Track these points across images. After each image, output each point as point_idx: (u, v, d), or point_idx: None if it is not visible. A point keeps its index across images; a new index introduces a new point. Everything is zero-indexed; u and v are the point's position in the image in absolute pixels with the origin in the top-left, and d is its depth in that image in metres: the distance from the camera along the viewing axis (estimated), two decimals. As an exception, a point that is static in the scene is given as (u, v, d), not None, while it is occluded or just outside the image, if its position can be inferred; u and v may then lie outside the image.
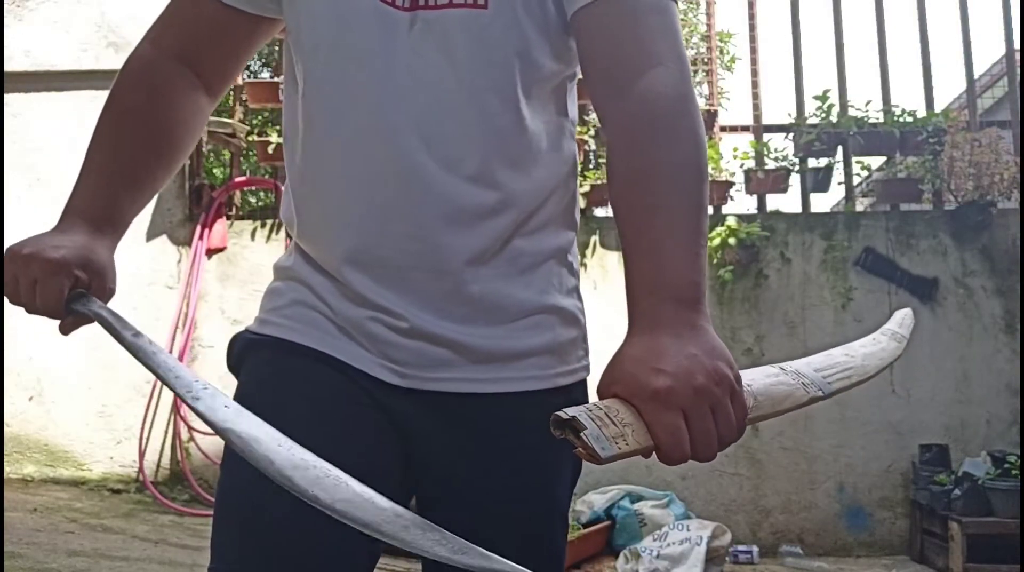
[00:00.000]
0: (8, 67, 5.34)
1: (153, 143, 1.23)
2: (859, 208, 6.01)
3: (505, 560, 0.75)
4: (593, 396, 0.90)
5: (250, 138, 5.49)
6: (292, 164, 1.17)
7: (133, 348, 1.12)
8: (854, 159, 5.43)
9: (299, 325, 1.11)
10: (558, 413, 0.77)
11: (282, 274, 1.18)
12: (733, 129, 5.64)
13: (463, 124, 1.03)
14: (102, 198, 1.27)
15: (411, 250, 1.04)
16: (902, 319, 1.58)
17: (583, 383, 1.16)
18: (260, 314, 1.18)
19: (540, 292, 1.10)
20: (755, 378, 1.00)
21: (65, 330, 1.20)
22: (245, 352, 1.16)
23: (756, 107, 5.57)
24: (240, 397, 1.09)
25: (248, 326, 1.20)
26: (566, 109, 1.14)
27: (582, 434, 0.75)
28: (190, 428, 5.07)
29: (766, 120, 5.58)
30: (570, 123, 1.15)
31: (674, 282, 0.89)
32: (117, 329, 1.15)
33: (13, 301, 1.11)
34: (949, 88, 15.85)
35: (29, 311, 1.12)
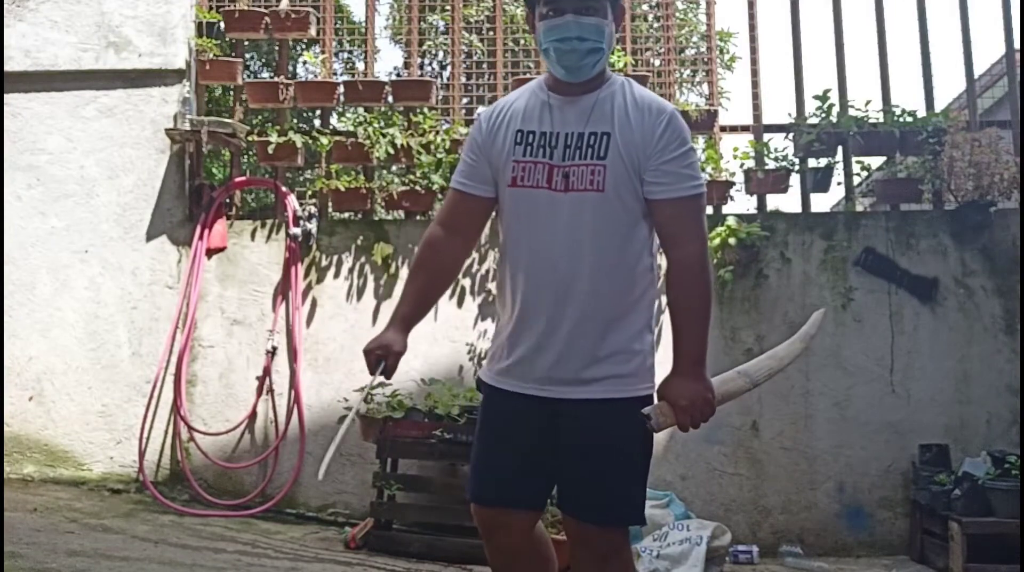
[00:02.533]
0: (8, 67, 5.34)
1: (434, 278, 2.27)
2: (859, 208, 6.01)
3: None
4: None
5: (250, 138, 5.48)
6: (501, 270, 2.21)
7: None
8: (854, 159, 5.43)
9: None
10: (642, 411, 2.02)
11: None
12: (733, 129, 5.63)
13: (592, 257, 2.03)
14: (408, 310, 2.24)
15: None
16: (814, 320, 2.50)
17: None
18: None
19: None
20: (720, 380, 2.17)
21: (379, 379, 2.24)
22: None
23: (756, 107, 5.57)
24: None
25: None
26: (649, 247, 2.10)
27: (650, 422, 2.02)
28: (190, 428, 5.07)
29: (766, 120, 5.59)
30: (649, 254, 2.11)
31: (695, 352, 2.04)
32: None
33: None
34: (949, 88, 15.87)
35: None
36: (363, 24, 6.12)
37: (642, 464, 2.10)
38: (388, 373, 2.17)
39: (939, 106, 5.60)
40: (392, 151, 5.26)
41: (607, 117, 2.03)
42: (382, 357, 2.15)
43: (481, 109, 5.86)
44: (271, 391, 5.13)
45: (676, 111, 2.07)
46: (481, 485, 2.15)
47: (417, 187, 5.26)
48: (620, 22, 2.14)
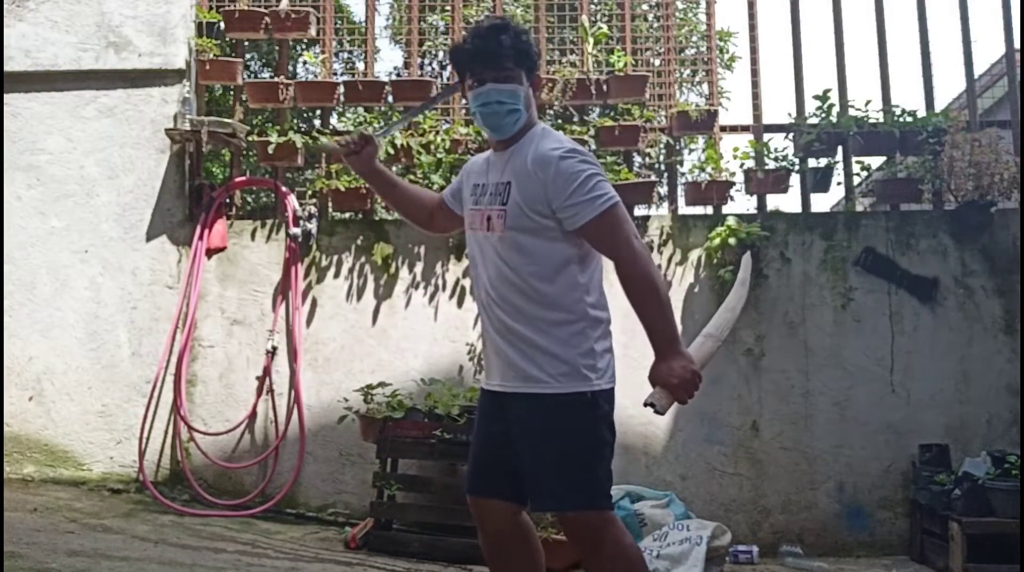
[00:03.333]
0: (8, 67, 5.34)
1: (409, 193, 2.84)
2: (859, 208, 6.01)
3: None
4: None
5: (250, 138, 5.48)
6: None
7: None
8: (854, 159, 5.43)
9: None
10: (645, 400, 2.31)
11: None
12: (733, 129, 5.63)
13: (506, 286, 2.38)
14: (388, 175, 2.81)
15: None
16: (744, 264, 3.07)
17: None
18: None
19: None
20: (694, 349, 2.47)
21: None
22: None
23: (756, 107, 5.57)
24: None
25: None
26: (574, 275, 2.36)
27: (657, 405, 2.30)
28: (190, 428, 5.07)
29: (766, 120, 5.58)
30: (575, 282, 2.37)
31: (663, 339, 2.29)
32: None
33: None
34: (949, 88, 15.86)
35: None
36: (363, 24, 6.12)
37: (584, 451, 2.31)
38: (349, 149, 2.64)
39: (939, 106, 5.60)
40: (392, 151, 5.26)
41: (514, 168, 2.38)
42: (359, 144, 2.65)
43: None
44: (271, 391, 5.13)
45: (564, 152, 2.32)
46: (467, 475, 2.54)
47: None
48: (538, 87, 2.62)
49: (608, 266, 2.33)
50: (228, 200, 5.42)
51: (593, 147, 5.62)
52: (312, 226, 5.24)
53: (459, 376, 5.08)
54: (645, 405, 2.28)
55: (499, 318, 2.38)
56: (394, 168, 6.24)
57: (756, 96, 5.57)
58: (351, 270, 5.27)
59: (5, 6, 5.41)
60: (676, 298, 5.11)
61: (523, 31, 2.48)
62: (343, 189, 5.30)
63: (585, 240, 2.33)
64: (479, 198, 2.48)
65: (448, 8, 5.91)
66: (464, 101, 5.95)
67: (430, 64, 7.78)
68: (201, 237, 5.21)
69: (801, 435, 4.99)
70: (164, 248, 5.29)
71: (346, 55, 6.63)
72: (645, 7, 7.43)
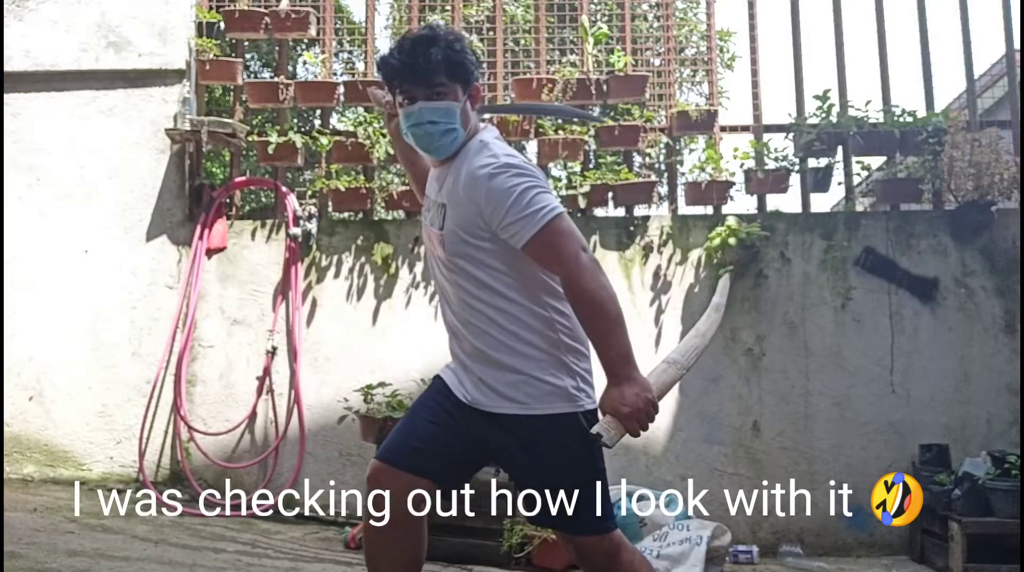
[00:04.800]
0: (8, 67, 5.34)
1: (417, 160, 2.53)
2: (859, 208, 6.01)
3: None
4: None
5: (250, 138, 5.48)
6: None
7: None
8: (854, 159, 5.43)
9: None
10: (591, 430, 2.07)
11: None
12: (733, 129, 5.63)
13: (462, 302, 2.24)
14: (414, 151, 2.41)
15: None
16: (721, 288, 3.25)
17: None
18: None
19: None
20: (654, 376, 2.25)
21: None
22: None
23: (756, 107, 5.57)
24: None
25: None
26: (532, 293, 2.21)
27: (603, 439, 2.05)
28: (190, 428, 5.07)
29: (766, 120, 5.58)
30: (534, 299, 2.22)
31: (613, 361, 2.09)
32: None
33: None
34: (949, 88, 15.85)
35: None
36: (363, 24, 6.11)
37: (589, 473, 2.21)
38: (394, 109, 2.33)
39: (939, 106, 5.60)
40: (392, 151, 5.25)
41: (448, 190, 2.22)
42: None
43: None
44: (271, 391, 5.13)
45: (495, 168, 2.13)
46: (391, 446, 2.39)
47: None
48: (477, 99, 2.30)
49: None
50: (228, 200, 5.42)
51: (594, 147, 5.63)
52: (312, 226, 5.24)
53: (459, 376, 5.07)
54: (591, 437, 2.05)
55: (463, 341, 2.25)
56: (394, 168, 6.28)
57: (756, 96, 5.57)
58: (351, 270, 5.27)
59: (5, 6, 5.41)
60: (676, 298, 5.11)
61: (456, 39, 2.24)
62: (343, 189, 5.30)
63: (532, 259, 2.13)
64: (426, 212, 2.33)
65: (448, 8, 5.91)
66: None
67: (430, 64, 7.78)
68: (201, 237, 5.22)
69: (801, 435, 4.99)
70: (164, 248, 5.29)
71: (346, 55, 6.63)
72: (645, 7, 7.42)
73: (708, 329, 2.62)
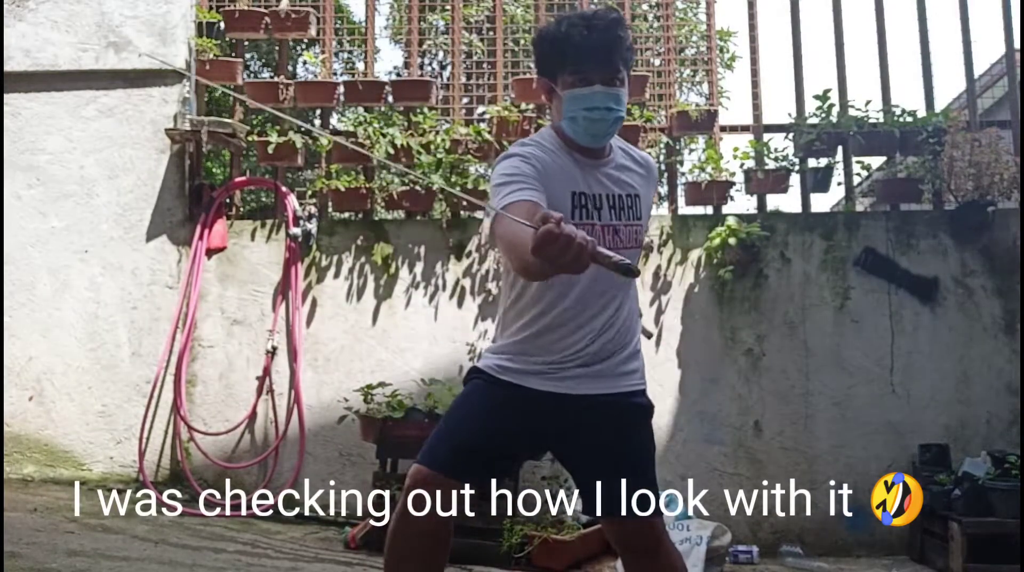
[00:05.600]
0: (8, 67, 5.34)
1: None
2: (859, 208, 6.01)
3: None
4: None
5: (250, 138, 5.48)
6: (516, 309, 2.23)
7: None
8: (854, 159, 5.43)
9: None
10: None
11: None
12: (733, 129, 5.63)
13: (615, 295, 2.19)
14: None
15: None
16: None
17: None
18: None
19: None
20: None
21: None
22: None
23: (756, 107, 5.57)
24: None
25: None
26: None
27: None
28: (190, 428, 5.07)
29: (766, 120, 5.58)
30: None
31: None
32: None
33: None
34: (949, 88, 15.86)
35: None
36: (363, 24, 6.12)
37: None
38: None
39: (939, 106, 5.59)
40: (392, 151, 5.25)
41: (617, 179, 2.18)
42: None
43: (481, 108, 5.86)
44: (271, 391, 5.13)
45: (648, 156, 2.33)
46: (446, 456, 2.28)
47: (417, 187, 5.26)
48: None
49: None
50: (228, 200, 5.42)
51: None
52: (312, 226, 5.24)
53: (459, 376, 5.07)
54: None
55: (609, 335, 2.17)
56: (393, 168, 6.28)
57: (756, 96, 5.57)
58: (351, 270, 5.27)
59: (5, 6, 5.41)
60: (676, 298, 5.11)
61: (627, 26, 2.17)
62: (343, 189, 5.30)
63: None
64: (590, 210, 2.11)
65: (448, 8, 5.91)
66: (466, 100, 6.00)
67: (430, 64, 7.79)
68: (201, 237, 5.21)
69: (801, 435, 4.99)
70: (164, 248, 5.29)
71: (346, 55, 6.64)
72: (645, 7, 7.43)
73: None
